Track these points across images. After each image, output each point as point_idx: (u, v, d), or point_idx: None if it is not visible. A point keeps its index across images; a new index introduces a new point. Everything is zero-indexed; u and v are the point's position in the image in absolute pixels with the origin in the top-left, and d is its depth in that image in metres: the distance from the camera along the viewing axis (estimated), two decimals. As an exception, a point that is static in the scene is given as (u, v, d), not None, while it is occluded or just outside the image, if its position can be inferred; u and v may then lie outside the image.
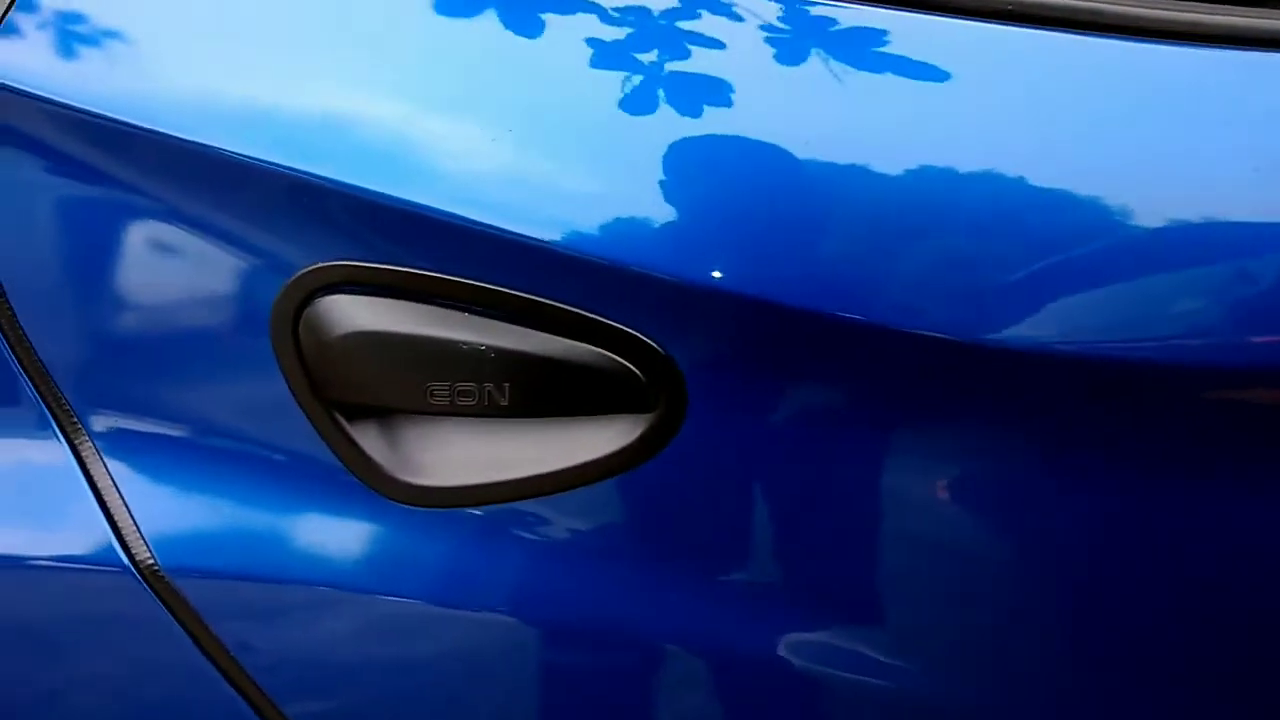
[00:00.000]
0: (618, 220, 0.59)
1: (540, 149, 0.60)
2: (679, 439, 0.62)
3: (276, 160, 0.60)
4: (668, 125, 0.59)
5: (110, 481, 0.66)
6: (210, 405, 0.65)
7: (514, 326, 0.61)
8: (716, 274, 0.57)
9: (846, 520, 0.63)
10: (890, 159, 0.58)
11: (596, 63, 0.61)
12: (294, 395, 0.63)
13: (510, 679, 0.66)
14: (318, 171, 0.60)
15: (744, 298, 0.58)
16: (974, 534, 0.63)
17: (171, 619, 0.66)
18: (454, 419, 0.64)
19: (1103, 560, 0.61)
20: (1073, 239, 0.56)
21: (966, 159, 0.57)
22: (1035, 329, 0.57)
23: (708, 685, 0.66)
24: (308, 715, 0.69)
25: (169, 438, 0.66)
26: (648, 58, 0.60)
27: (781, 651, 0.64)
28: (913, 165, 0.57)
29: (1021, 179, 0.57)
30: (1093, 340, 0.56)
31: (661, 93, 0.59)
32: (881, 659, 0.64)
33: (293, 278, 0.61)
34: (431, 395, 0.62)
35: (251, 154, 0.60)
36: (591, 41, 0.61)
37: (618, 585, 0.65)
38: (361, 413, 0.64)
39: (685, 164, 0.59)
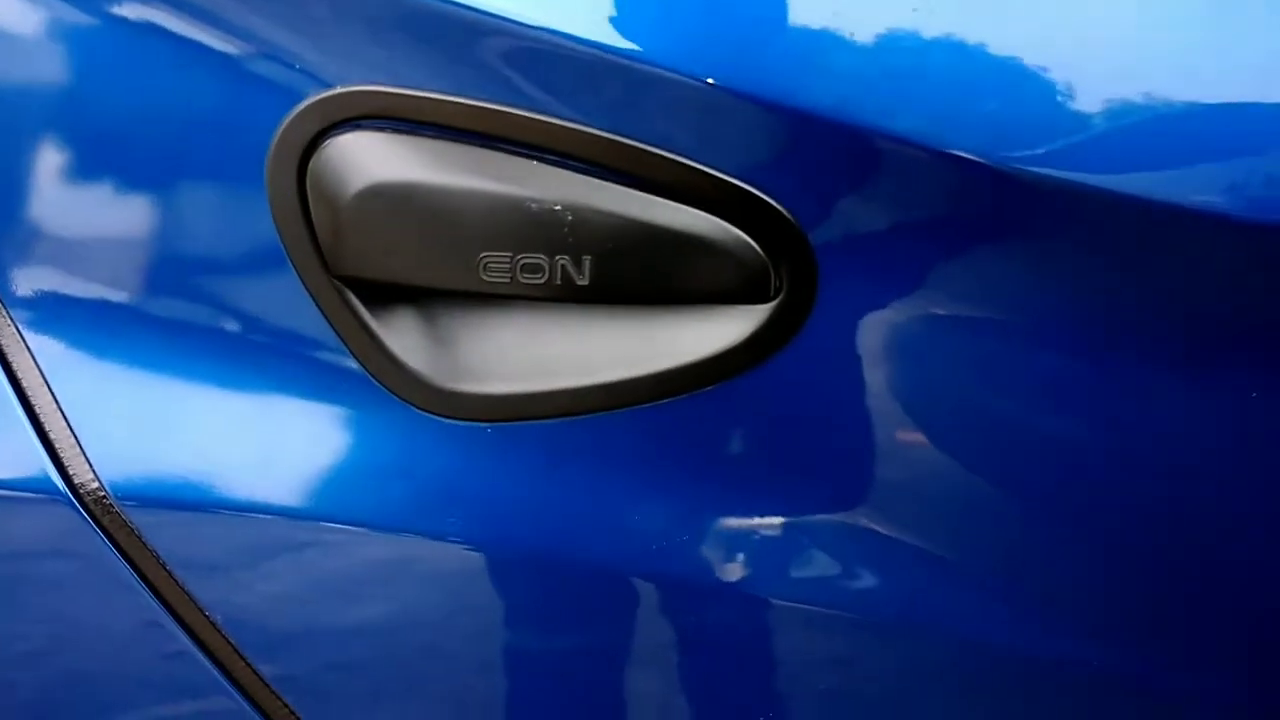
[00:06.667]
0: (733, 36, 0.45)
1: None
2: (803, 336, 0.49)
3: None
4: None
5: (40, 379, 0.51)
6: (181, 281, 0.52)
7: (599, 181, 0.47)
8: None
9: (1016, 440, 0.50)
10: None
11: None
12: (296, 270, 0.49)
13: (585, 639, 0.52)
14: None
15: (905, 141, 0.44)
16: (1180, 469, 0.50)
17: (121, 560, 0.52)
18: (514, 304, 0.50)
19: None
20: None
21: None
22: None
23: (842, 646, 0.53)
24: (292, 678, 0.54)
25: (124, 323, 0.52)
26: None
27: (931, 610, 0.51)
28: None
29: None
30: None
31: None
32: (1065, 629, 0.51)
33: (299, 106, 0.47)
34: (485, 270, 0.48)
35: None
36: None
37: (727, 522, 0.52)
38: (387, 295, 0.50)
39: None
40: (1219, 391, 0.49)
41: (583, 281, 0.47)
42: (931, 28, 0.45)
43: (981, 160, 0.44)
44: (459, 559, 0.52)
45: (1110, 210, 0.45)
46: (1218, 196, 0.45)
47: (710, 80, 0.44)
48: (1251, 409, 0.49)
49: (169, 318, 0.51)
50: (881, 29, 0.45)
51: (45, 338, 0.51)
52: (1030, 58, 0.45)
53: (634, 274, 0.48)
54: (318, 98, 0.47)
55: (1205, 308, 0.48)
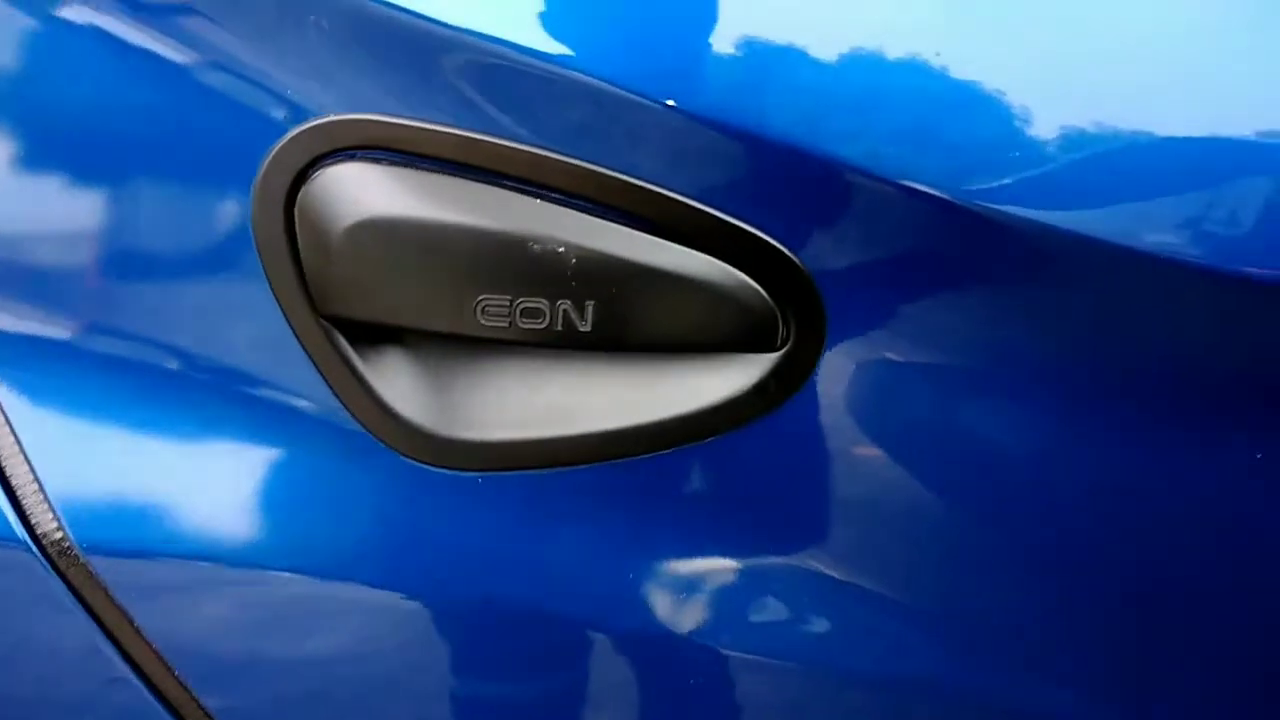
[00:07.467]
0: (749, 75, 0.43)
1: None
2: (809, 387, 0.47)
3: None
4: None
5: (3, 420, 0.48)
6: (157, 319, 0.49)
7: (605, 222, 0.45)
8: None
9: (1024, 492, 0.48)
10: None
11: None
12: (281, 308, 0.46)
13: (574, 698, 0.49)
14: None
15: (907, 186, 0.42)
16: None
17: (84, 612, 0.49)
18: (511, 349, 0.47)
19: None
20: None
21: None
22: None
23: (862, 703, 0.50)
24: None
25: (93, 365, 0.49)
26: None
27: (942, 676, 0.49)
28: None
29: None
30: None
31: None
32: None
33: (289, 134, 0.44)
34: (483, 313, 0.45)
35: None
36: None
37: (724, 578, 0.50)
38: (377, 336, 0.47)
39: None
40: (1203, 448, 0.47)
41: (585, 328, 0.45)
42: (941, 71, 0.43)
43: (983, 208, 0.42)
44: (440, 613, 0.49)
45: (1094, 255, 0.43)
46: (1177, 238, 0.43)
47: (670, 102, 0.42)
48: (1226, 463, 0.47)
49: (141, 365, 0.48)
50: (885, 70, 0.43)
51: (9, 379, 0.48)
52: (1040, 104, 0.43)
53: (639, 321, 0.45)
54: (309, 125, 0.44)
55: (1189, 360, 0.46)
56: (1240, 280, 0.43)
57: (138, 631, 0.49)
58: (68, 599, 0.48)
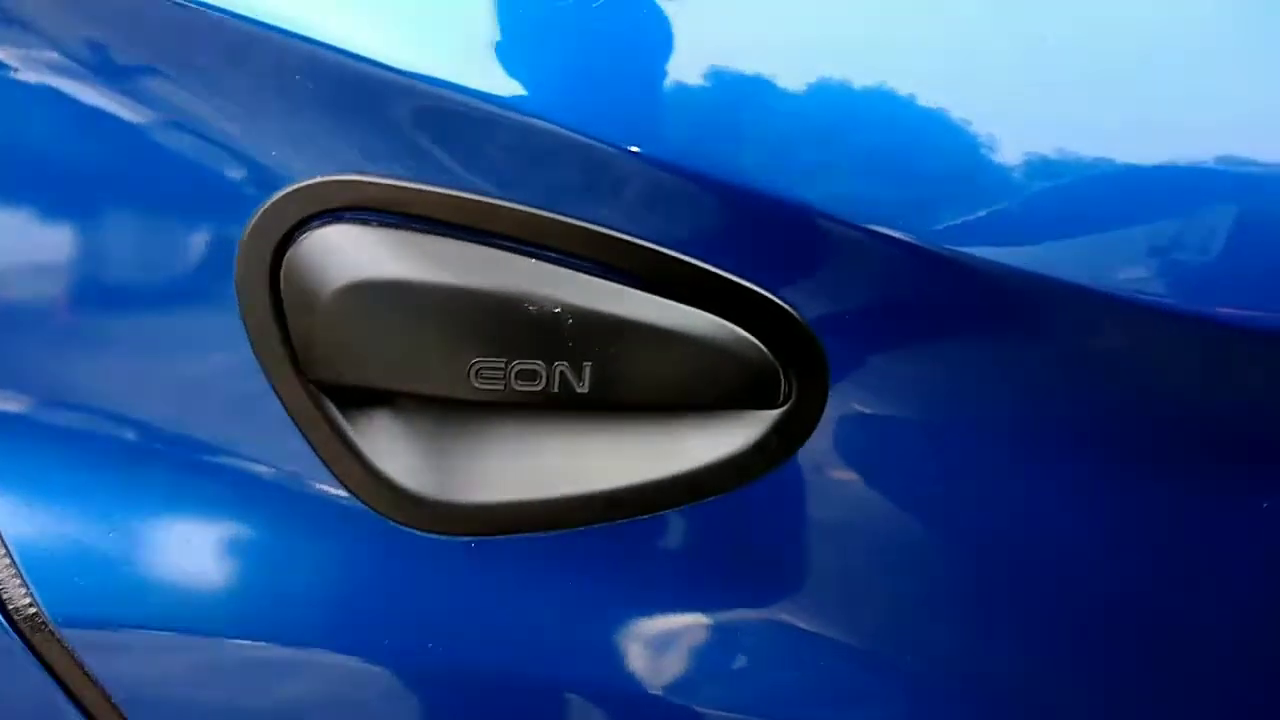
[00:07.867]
0: (747, 132, 0.42)
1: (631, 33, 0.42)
2: (812, 442, 0.45)
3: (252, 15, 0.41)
4: None
5: None
6: (135, 387, 0.47)
7: (601, 281, 0.44)
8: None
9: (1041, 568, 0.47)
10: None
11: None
12: (266, 374, 0.45)
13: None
14: (320, 38, 0.41)
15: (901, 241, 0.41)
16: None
17: (59, 690, 0.47)
18: (507, 411, 0.46)
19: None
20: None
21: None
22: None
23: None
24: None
25: (68, 433, 0.47)
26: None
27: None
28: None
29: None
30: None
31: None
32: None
33: (276, 195, 0.43)
34: (478, 377, 0.44)
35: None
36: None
37: (730, 644, 0.48)
38: (366, 400, 0.46)
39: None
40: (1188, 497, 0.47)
41: (582, 389, 0.44)
42: (918, 121, 0.42)
43: (979, 260, 0.41)
44: (428, 678, 0.48)
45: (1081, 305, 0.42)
46: (1148, 276, 0.42)
47: (634, 148, 0.41)
48: (1214, 512, 0.47)
49: (119, 435, 0.46)
50: (847, 105, 0.41)
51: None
52: (1010, 136, 0.41)
53: (638, 381, 0.44)
54: (295, 187, 0.42)
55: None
56: (1208, 321, 0.42)
57: (114, 706, 0.47)
58: (41, 673, 0.46)
